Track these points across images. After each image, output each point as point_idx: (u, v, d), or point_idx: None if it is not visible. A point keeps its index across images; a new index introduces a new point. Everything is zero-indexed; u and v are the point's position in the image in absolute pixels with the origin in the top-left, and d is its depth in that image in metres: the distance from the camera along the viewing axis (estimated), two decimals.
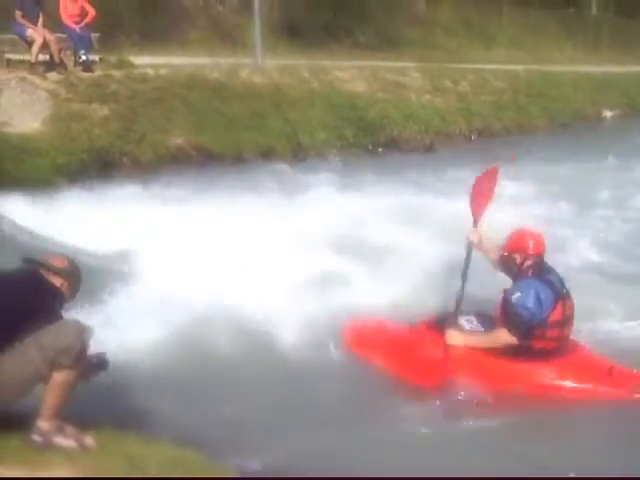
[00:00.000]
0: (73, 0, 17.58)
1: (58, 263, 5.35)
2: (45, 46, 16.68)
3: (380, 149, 19.26)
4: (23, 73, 16.28)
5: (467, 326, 7.39)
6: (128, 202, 11.50)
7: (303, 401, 6.80)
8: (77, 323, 4.92)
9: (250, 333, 7.76)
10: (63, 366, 4.78)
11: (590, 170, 16.37)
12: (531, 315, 6.88)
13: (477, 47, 30.98)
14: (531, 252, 7.17)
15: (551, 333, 7.02)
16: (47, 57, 17.05)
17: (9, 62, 17.43)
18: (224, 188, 12.50)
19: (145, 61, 18.90)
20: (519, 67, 26.10)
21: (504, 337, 6.97)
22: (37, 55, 16.67)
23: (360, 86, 21.25)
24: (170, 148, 16.21)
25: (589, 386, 6.94)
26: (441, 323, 7.35)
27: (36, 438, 4.90)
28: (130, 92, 17.07)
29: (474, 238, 7.55)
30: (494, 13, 33.83)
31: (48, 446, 4.87)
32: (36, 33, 16.54)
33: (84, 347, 4.85)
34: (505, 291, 7.12)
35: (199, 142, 16.67)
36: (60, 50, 17.30)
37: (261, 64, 20.79)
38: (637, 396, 6.83)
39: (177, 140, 16.49)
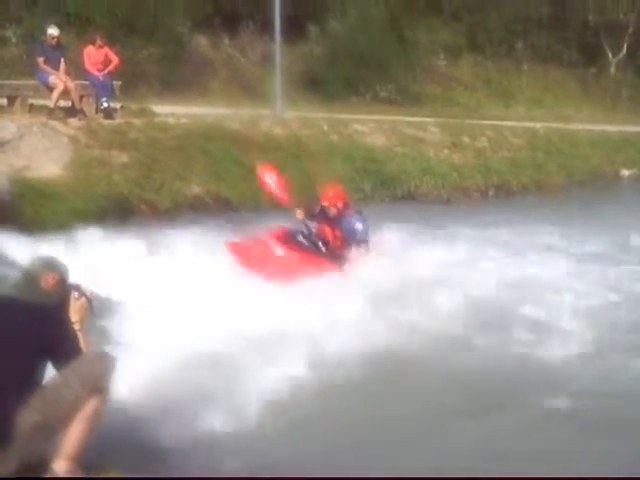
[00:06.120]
0: (97, 48, 17.83)
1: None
2: (66, 92, 16.86)
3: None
4: (45, 118, 16.43)
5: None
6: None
7: None
8: (106, 353, 5.14)
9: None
10: (100, 390, 4.80)
11: None
12: None
13: (496, 104, 31.16)
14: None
15: None
16: (69, 103, 17.24)
17: (32, 107, 17.61)
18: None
19: (166, 110, 19.07)
20: (538, 125, 26.13)
21: None
22: (57, 101, 16.84)
23: (379, 140, 21.31)
24: (188, 197, 16.28)
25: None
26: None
27: None
28: (150, 140, 17.18)
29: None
30: (514, 71, 34.05)
31: None
32: (57, 79, 16.72)
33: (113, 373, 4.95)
34: None
35: (217, 191, 16.74)
36: (81, 97, 17.50)
37: (281, 116, 20.93)
38: None
39: (195, 189, 16.56)
